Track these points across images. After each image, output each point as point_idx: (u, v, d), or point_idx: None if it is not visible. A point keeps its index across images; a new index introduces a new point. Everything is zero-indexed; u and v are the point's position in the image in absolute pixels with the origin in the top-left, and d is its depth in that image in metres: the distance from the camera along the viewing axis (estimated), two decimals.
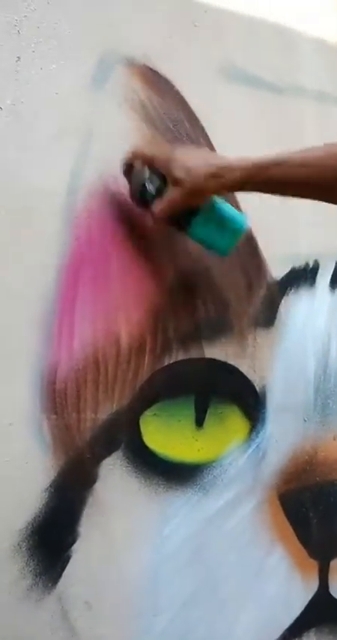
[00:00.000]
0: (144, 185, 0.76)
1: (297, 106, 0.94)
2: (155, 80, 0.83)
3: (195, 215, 0.78)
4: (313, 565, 1.05)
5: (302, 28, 0.93)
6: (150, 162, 0.76)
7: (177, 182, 0.74)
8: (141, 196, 0.77)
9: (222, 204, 0.79)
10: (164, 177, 0.75)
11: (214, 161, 0.75)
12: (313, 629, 1.07)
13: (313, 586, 1.06)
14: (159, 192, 0.76)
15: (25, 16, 0.75)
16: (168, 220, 0.78)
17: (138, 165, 0.78)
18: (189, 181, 0.73)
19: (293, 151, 0.71)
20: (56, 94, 0.77)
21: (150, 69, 0.83)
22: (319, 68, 0.97)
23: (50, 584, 0.84)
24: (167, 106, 0.84)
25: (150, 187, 0.76)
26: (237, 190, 0.76)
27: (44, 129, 0.77)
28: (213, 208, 0.78)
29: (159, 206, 0.76)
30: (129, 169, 0.79)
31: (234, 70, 0.86)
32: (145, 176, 0.76)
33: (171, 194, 0.75)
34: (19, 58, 0.75)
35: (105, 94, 0.79)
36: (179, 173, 0.73)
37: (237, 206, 0.92)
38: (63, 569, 0.85)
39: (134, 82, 0.82)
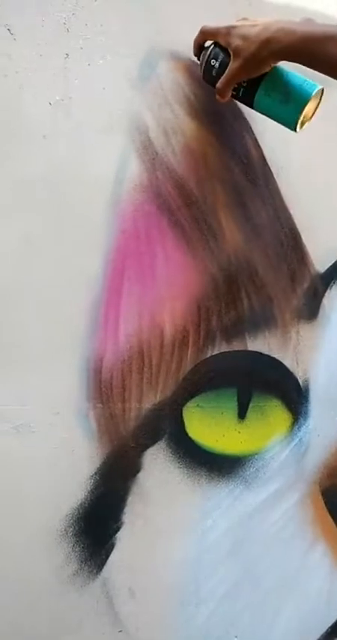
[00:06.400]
0: (209, 62, 0.75)
1: None
2: (199, 74, 0.84)
3: (259, 86, 0.74)
4: None
5: None
6: (214, 37, 0.75)
7: (235, 52, 0.71)
8: (209, 74, 0.76)
9: (288, 72, 0.74)
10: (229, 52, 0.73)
11: (273, 26, 0.70)
12: None
13: None
14: (225, 67, 0.73)
15: (74, 14, 0.77)
16: (234, 95, 0.76)
17: (207, 43, 0.76)
18: (245, 49, 0.70)
19: None
20: (103, 89, 0.79)
21: (195, 63, 0.83)
22: None
23: (95, 571, 0.86)
24: (211, 99, 0.84)
25: (215, 63, 0.74)
26: (293, 58, 0.70)
27: (92, 123, 0.78)
28: (276, 76, 0.74)
29: (220, 80, 0.74)
30: (199, 49, 0.77)
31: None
32: (211, 52, 0.75)
33: (231, 65, 0.72)
34: (67, 55, 0.77)
35: (151, 87, 0.81)
36: (236, 41, 0.71)
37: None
38: (107, 556, 0.86)
39: (179, 76, 0.83)
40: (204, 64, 0.76)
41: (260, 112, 0.77)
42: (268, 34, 0.69)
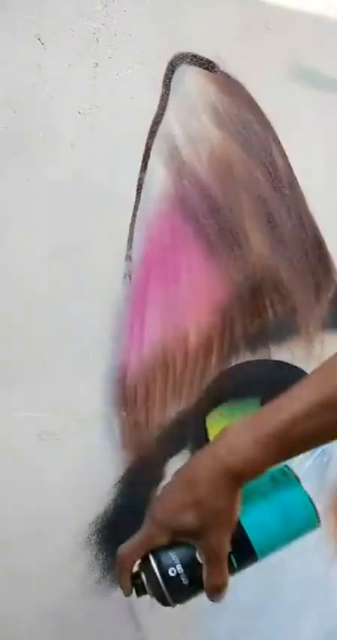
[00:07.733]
0: (167, 576, 0.55)
1: None
2: (226, 82, 0.84)
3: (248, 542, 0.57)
4: None
5: None
6: (138, 554, 0.58)
7: (207, 551, 0.54)
8: (179, 587, 0.56)
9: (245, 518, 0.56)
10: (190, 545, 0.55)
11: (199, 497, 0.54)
12: None
13: None
14: (193, 564, 0.55)
15: (104, 24, 0.77)
16: (233, 571, 0.59)
17: (136, 568, 0.58)
18: (207, 535, 0.54)
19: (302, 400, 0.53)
20: (131, 98, 0.79)
21: (222, 71, 0.84)
22: None
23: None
24: (237, 107, 0.84)
25: (174, 571, 0.55)
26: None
27: (119, 131, 0.79)
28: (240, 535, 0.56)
29: (206, 582, 0.56)
30: (130, 580, 0.59)
31: (305, 72, 0.86)
32: (156, 568, 0.55)
33: (205, 563, 0.55)
34: (96, 64, 0.77)
35: (178, 96, 0.81)
36: (161, 536, 0.55)
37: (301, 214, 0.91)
38: None
39: (206, 86, 0.83)
40: (159, 586, 0.55)
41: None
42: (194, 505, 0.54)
